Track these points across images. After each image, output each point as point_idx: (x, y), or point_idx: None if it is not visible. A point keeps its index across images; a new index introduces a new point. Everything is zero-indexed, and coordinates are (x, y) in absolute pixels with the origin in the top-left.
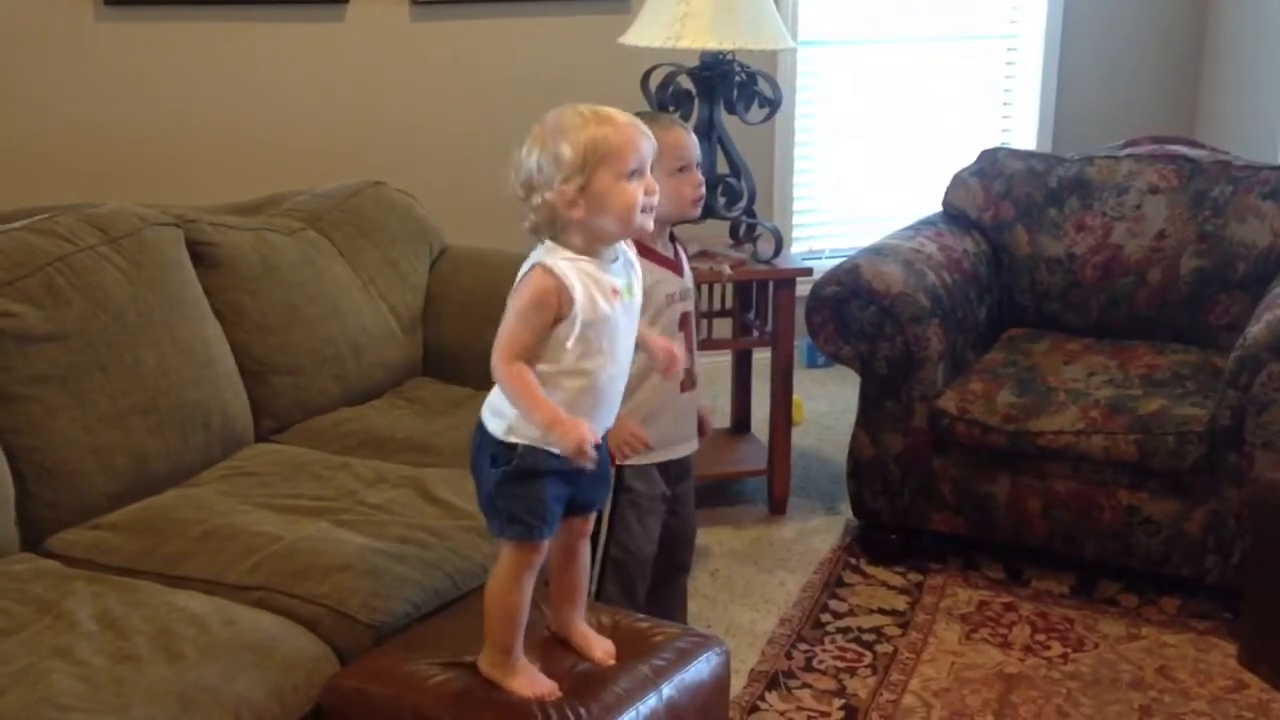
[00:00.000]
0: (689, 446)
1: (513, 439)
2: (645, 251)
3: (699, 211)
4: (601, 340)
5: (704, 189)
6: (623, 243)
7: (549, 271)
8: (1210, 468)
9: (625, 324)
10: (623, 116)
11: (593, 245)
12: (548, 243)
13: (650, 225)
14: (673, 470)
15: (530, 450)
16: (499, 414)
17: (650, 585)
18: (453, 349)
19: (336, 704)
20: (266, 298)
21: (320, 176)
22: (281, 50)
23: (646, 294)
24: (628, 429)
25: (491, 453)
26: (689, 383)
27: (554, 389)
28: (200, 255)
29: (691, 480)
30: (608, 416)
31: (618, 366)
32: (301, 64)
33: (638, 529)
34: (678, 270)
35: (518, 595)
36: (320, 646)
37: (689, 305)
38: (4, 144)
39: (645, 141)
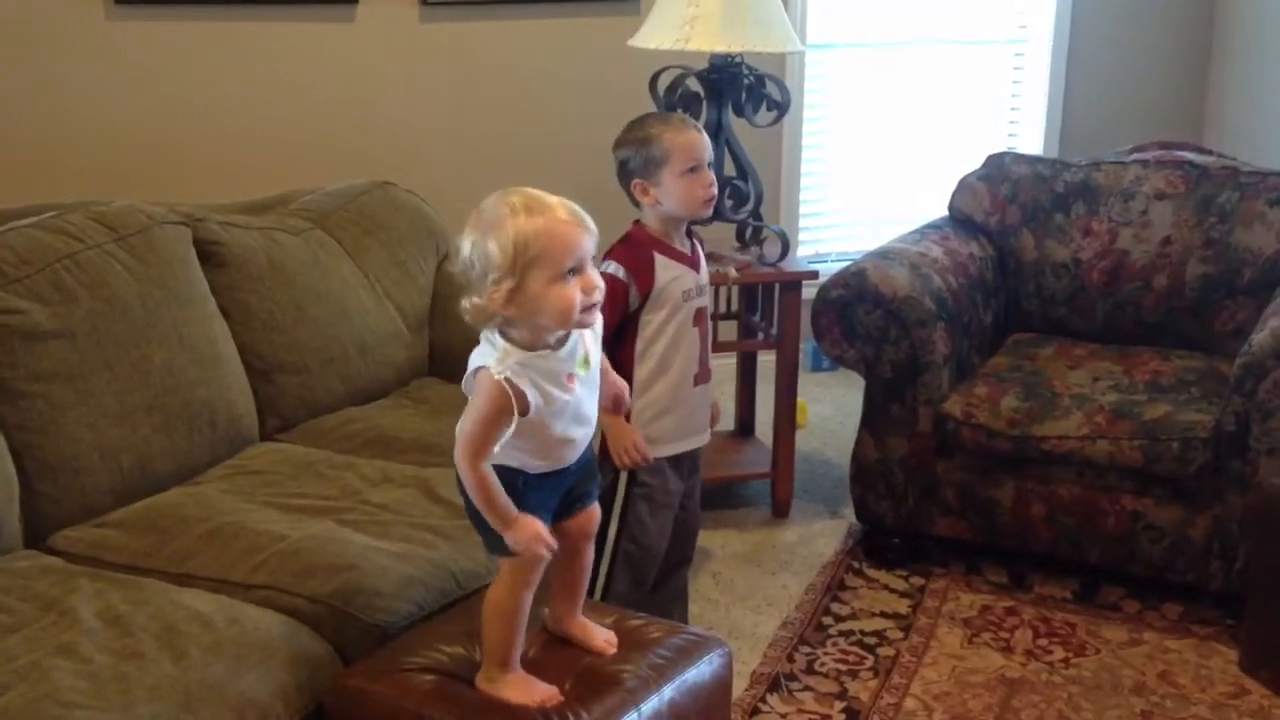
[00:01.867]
0: (701, 439)
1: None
2: (663, 248)
3: (710, 211)
4: (565, 416)
5: (715, 189)
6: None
7: (499, 385)
8: (1214, 474)
9: (587, 393)
10: (561, 209)
11: (536, 337)
12: (494, 337)
13: (592, 321)
14: (685, 463)
15: (504, 470)
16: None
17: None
18: (459, 349)
19: (340, 703)
20: (273, 297)
21: (328, 176)
22: (291, 50)
23: (664, 290)
24: (631, 438)
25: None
26: (703, 376)
27: (526, 439)
28: (208, 254)
29: (700, 474)
30: (584, 440)
31: (588, 427)
32: (311, 64)
33: (651, 524)
34: (695, 266)
35: (515, 609)
36: (324, 646)
37: (705, 300)
38: (14, 141)
39: (584, 235)
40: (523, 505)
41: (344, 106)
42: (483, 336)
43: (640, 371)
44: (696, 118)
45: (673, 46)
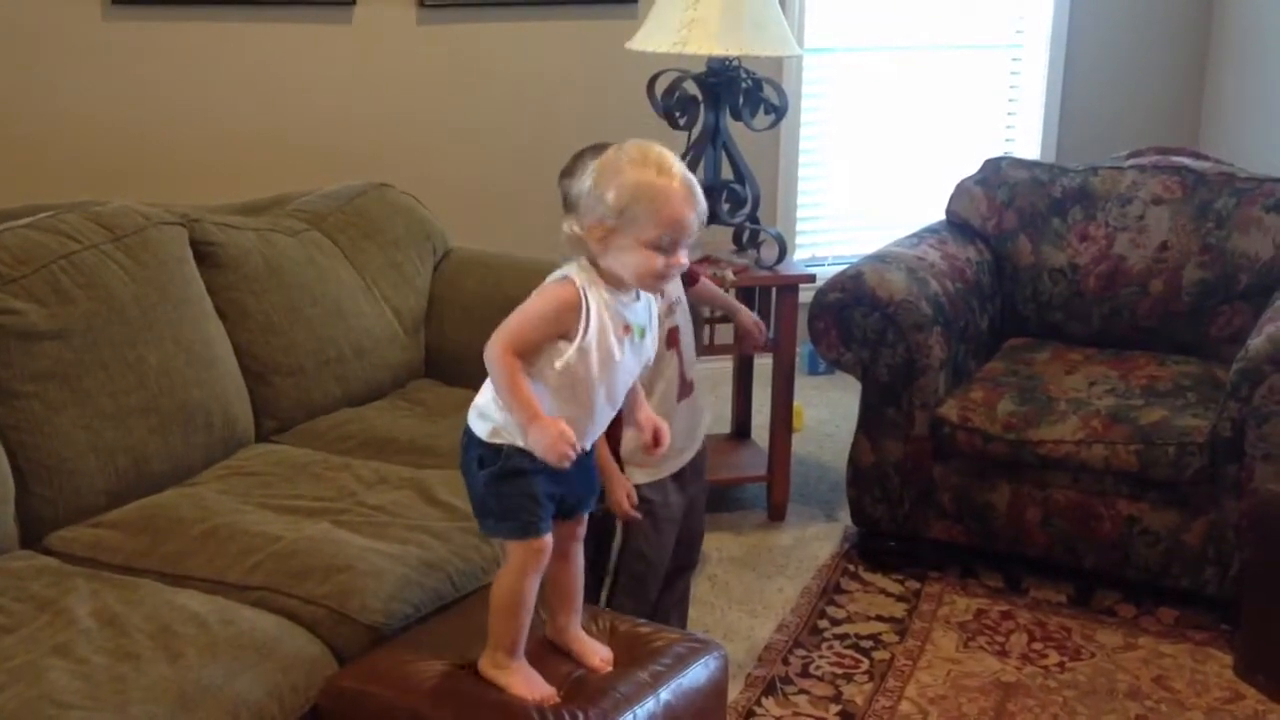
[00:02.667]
0: (691, 451)
1: (498, 440)
2: None
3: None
4: (603, 374)
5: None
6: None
7: (576, 288)
8: (1210, 479)
9: (629, 363)
10: (680, 178)
11: (615, 281)
12: (584, 261)
13: (660, 290)
14: (685, 474)
15: (516, 451)
16: (485, 416)
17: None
18: (455, 351)
19: (335, 705)
20: (269, 298)
21: (325, 177)
22: (288, 51)
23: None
24: (625, 489)
25: (479, 454)
26: (685, 391)
27: (556, 395)
28: (204, 255)
29: (705, 480)
30: (595, 432)
31: (611, 404)
32: (308, 65)
33: (654, 539)
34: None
35: (522, 594)
36: (319, 647)
37: (678, 319)
38: (10, 142)
39: (690, 215)
40: (534, 487)
41: (341, 108)
42: (564, 265)
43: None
44: (694, 121)
45: (670, 49)
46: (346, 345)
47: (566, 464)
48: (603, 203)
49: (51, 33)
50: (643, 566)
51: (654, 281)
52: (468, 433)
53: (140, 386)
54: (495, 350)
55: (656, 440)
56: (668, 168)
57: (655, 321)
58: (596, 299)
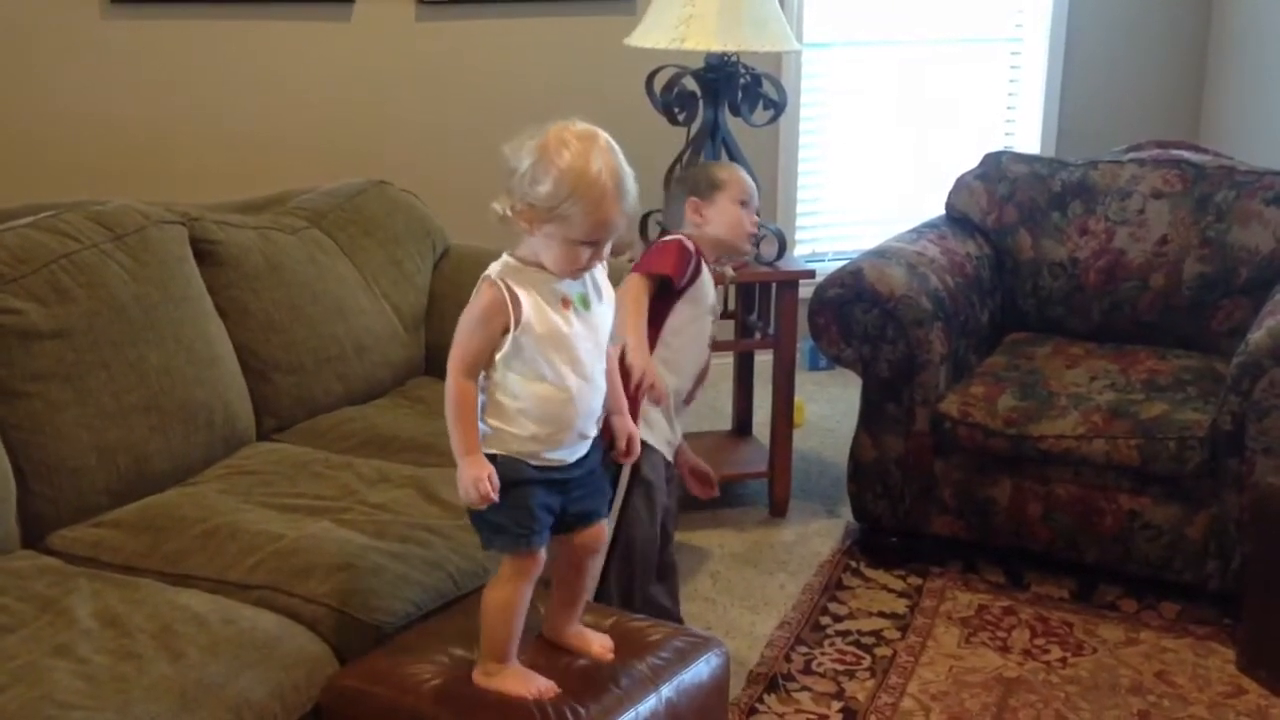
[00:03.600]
0: (670, 452)
1: (490, 450)
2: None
3: (749, 247)
4: (559, 351)
5: (758, 230)
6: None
7: (495, 285)
8: (1211, 473)
9: (584, 335)
10: (614, 178)
11: (534, 263)
12: (504, 255)
13: (580, 276)
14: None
15: (508, 460)
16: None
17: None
18: None
19: (336, 703)
20: (270, 296)
21: (325, 175)
22: (287, 49)
23: (703, 289)
24: (651, 371)
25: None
26: (690, 398)
27: (525, 398)
28: (204, 253)
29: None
30: (587, 425)
31: (585, 379)
32: (307, 63)
33: (647, 518)
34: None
35: (514, 605)
36: (321, 646)
37: (716, 329)
38: (10, 141)
39: (617, 218)
40: (529, 499)
41: (340, 105)
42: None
43: (660, 345)
44: (693, 117)
45: (669, 46)
46: (347, 343)
47: (479, 506)
48: (535, 191)
49: (50, 31)
50: (640, 545)
51: (574, 273)
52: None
53: (141, 385)
54: (451, 374)
55: (629, 449)
56: (608, 166)
57: (600, 287)
58: (522, 285)
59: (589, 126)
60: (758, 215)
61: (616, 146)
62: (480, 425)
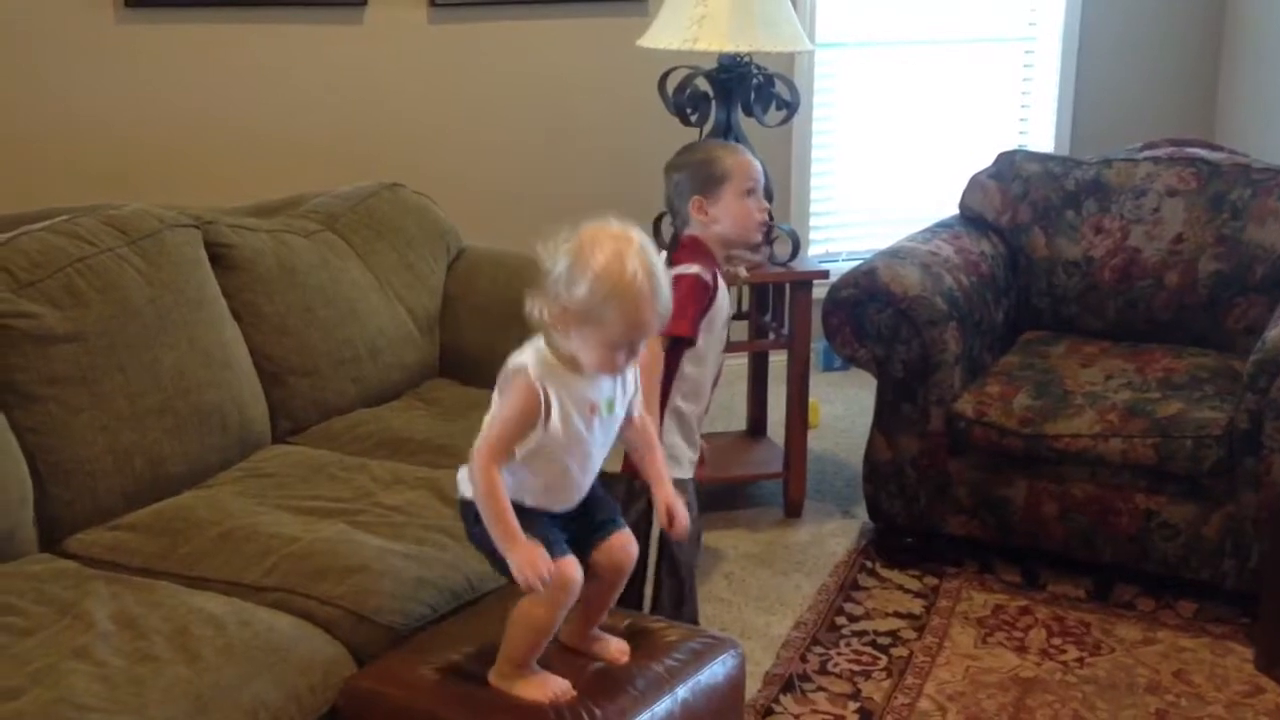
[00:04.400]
0: (690, 471)
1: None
2: (718, 265)
3: (761, 237)
4: (573, 452)
5: (769, 216)
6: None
7: (534, 389)
8: (1228, 472)
9: (599, 438)
10: (649, 281)
11: (574, 363)
12: (539, 342)
13: (620, 373)
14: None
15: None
16: (465, 481)
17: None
18: (470, 351)
19: (353, 705)
20: (284, 299)
21: (338, 178)
22: (300, 52)
23: (718, 308)
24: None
25: (475, 513)
26: (705, 410)
27: (529, 478)
28: (218, 257)
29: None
30: (586, 485)
31: (585, 469)
32: (320, 66)
33: (692, 539)
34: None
35: (547, 626)
36: (337, 648)
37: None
38: (25, 145)
39: (654, 319)
40: (533, 525)
41: (353, 108)
42: (528, 346)
43: (675, 397)
44: (705, 118)
45: (681, 46)
46: (361, 345)
47: (537, 590)
48: (571, 294)
49: (65, 36)
50: (683, 564)
51: (613, 370)
52: (462, 503)
53: (156, 389)
54: (479, 462)
55: (671, 521)
56: (643, 267)
57: (627, 388)
58: (556, 388)
59: (623, 227)
60: (768, 200)
61: (650, 244)
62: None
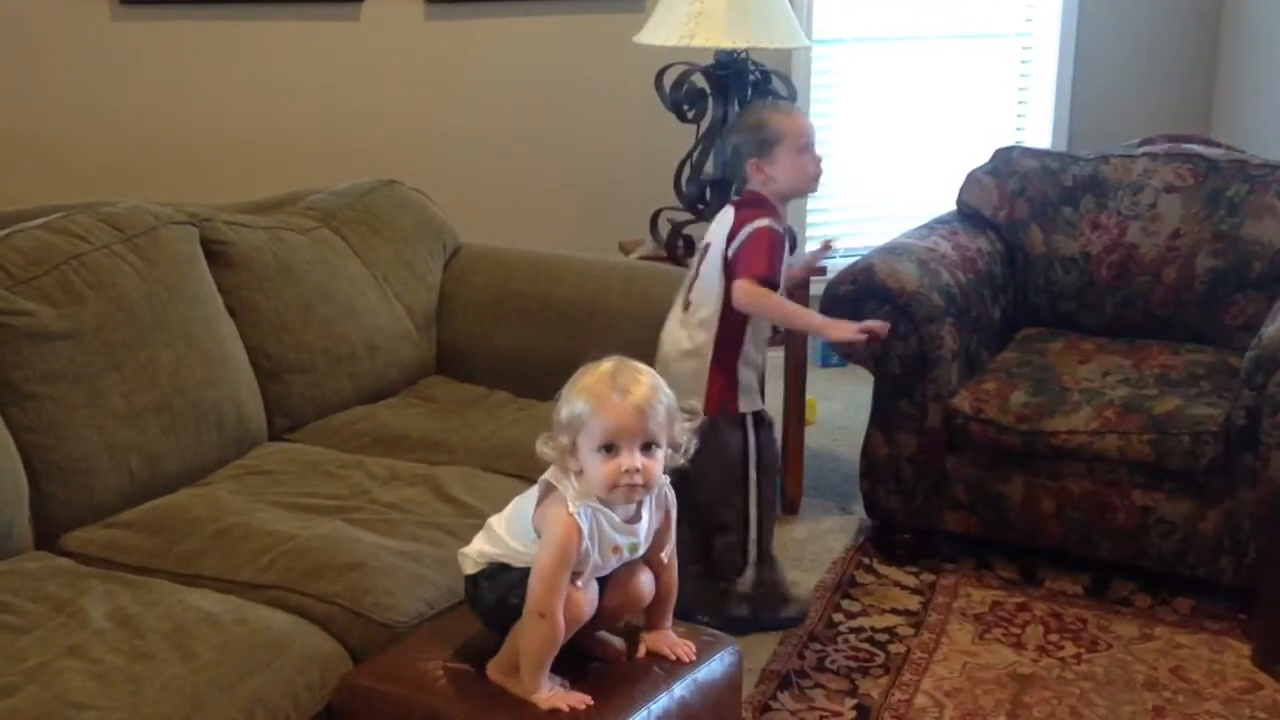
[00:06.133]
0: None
1: (487, 562)
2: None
3: (818, 186)
4: (587, 579)
5: (823, 166)
6: (648, 500)
7: (578, 531)
8: (1225, 468)
9: (613, 566)
10: (636, 391)
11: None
12: (574, 484)
13: (634, 499)
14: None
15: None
16: (465, 556)
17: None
18: (467, 348)
19: (349, 703)
20: (280, 296)
21: (335, 175)
22: (296, 49)
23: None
24: (847, 329)
25: (483, 584)
26: (772, 338)
27: None
28: (215, 254)
29: None
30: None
31: (597, 579)
32: (316, 63)
33: (770, 453)
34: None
35: (553, 641)
36: (333, 645)
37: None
38: (20, 142)
39: (637, 422)
40: None
41: (349, 105)
42: (562, 478)
43: (748, 340)
44: (702, 114)
45: (678, 43)
46: (358, 342)
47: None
48: (559, 418)
49: (60, 33)
50: (771, 471)
51: (625, 492)
52: (466, 581)
53: (152, 386)
54: (550, 615)
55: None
56: (621, 381)
57: (652, 531)
58: (590, 525)
59: (618, 359)
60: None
61: (641, 365)
62: (473, 553)
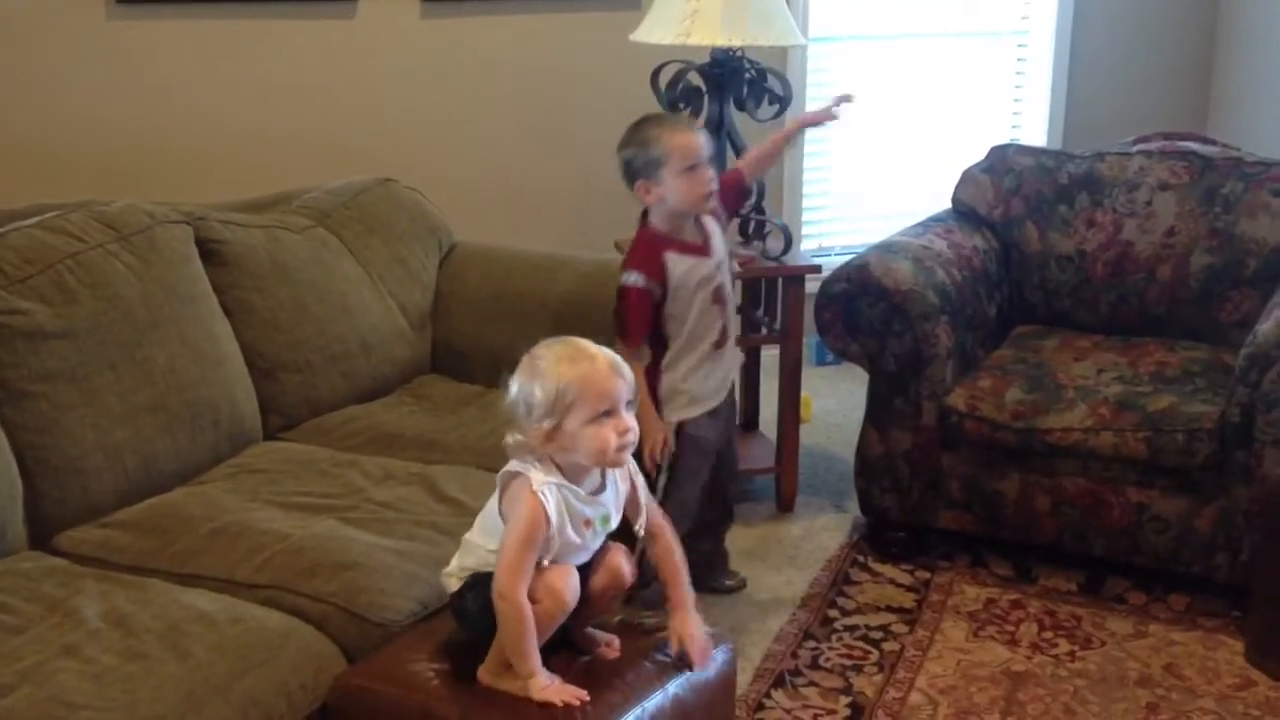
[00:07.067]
0: (721, 394)
1: (468, 575)
2: (673, 244)
3: (710, 205)
4: (558, 554)
5: (714, 184)
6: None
7: (541, 510)
8: (1220, 465)
9: (590, 544)
10: (600, 359)
11: (573, 471)
12: (536, 466)
13: (624, 460)
14: (720, 411)
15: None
16: (448, 575)
17: (698, 531)
18: (461, 346)
19: (344, 702)
20: (275, 295)
21: (330, 174)
22: (292, 48)
23: (680, 284)
24: (659, 433)
25: (468, 596)
26: (722, 342)
27: None
28: (210, 253)
29: (734, 415)
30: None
31: (576, 560)
32: (312, 61)
33: (689, 484)
34: (707, 252)
35: (542, 630)
36: (328, 644)
37: (723, 276)
38: (15, 141)
39: (619, 383)
40: None
41: (345, 104)
42: (524, 458)
43: (670, 351)
44: (698, 113)
45: (674, 41)
46: (353, 341)
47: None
48: (534, 404)
49: (55, 32)
50: (678, 511)
51: (615, 455)
52: (451, 598)
53: (147, 385)
54: (510, 594)
55: (692, 660)
56: (580, 354)
57: (621, 502)
58: (556, 502)
59: (554, 339)
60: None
61: (582, 340)
62: (454, 568)
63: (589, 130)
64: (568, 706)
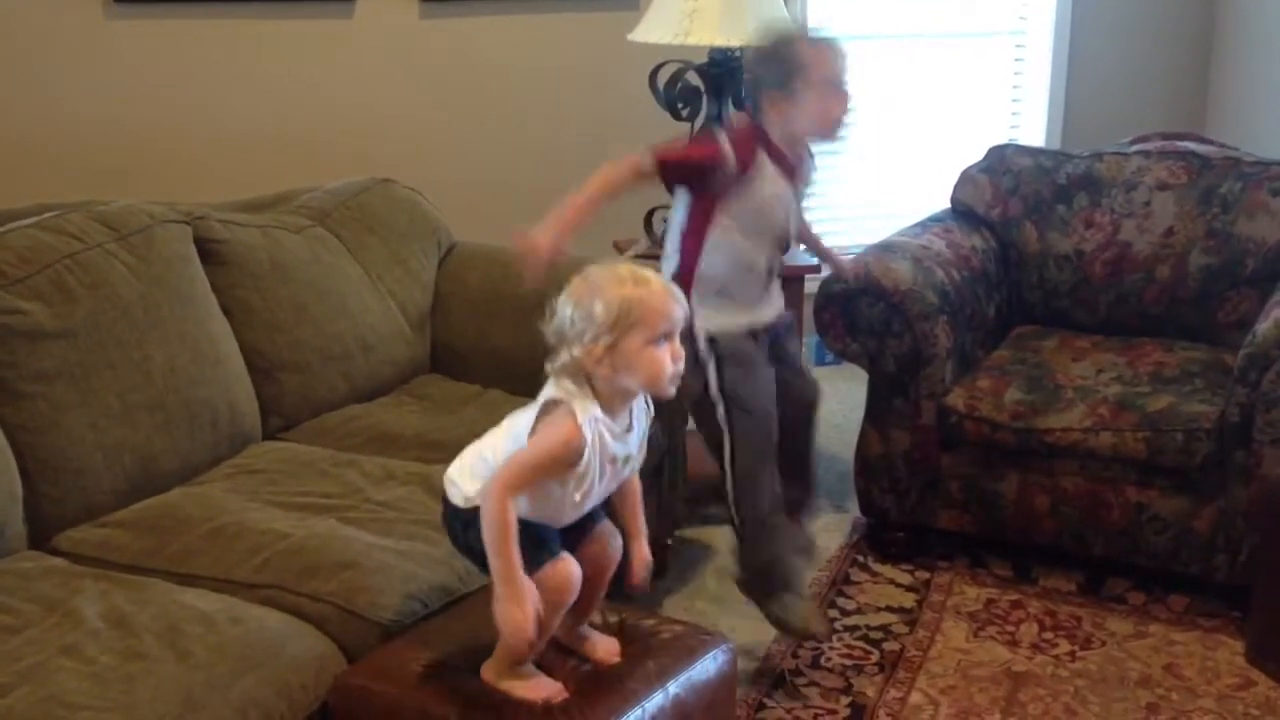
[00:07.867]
0: (771, 311)
1: (475, 504)
2: (775, 153)
3: (841, 136)
4: (586, 489)
5: (852, 113)
6: (641, 404)
7: (580, 435)
8: (1219, 465)
9: (609, 486)
10: (657, 281)
11: (613, 401)
12: (583, 387)
13: (672, 392)
14: (773, 331)
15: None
16: (456, 485)
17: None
18: (461, 346)
19: (344, 702)
20: (275, 295)
21: (329, 174)
22: (290, 48)
23: (754, 189)
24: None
25: (463, 520)
26: (769, 275)
27: (540, 499)
28: (209, 253)
29: (795, 339)
30: (578, 515)
31: (591, 501)
32: (310, 61)
33: (748, 383)
34: (792, 178)
35: (546, 623)
36: (327, 644)
37: (790, 217)
38: (14, 141)
39: (677, 308)
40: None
41: (343, 103)
42: (556, 381)
43: (710, 253)
44: (696, 112)
45: (672, 40)
46: (352, 341)
47: (524, 647)
48: (593, 321)
49: (54, 32)
50: (750, 416)
51: (666, 381)
52: (445, 503)
53: (146, 385)
54: (495, 492)
55: (635, 576)
56: (640, 277)
57: (643, 447)
58: (594, 436)
59: (607, 262)
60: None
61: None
62: (468, 484)
63: (588, 130)
64: (566, 707)
